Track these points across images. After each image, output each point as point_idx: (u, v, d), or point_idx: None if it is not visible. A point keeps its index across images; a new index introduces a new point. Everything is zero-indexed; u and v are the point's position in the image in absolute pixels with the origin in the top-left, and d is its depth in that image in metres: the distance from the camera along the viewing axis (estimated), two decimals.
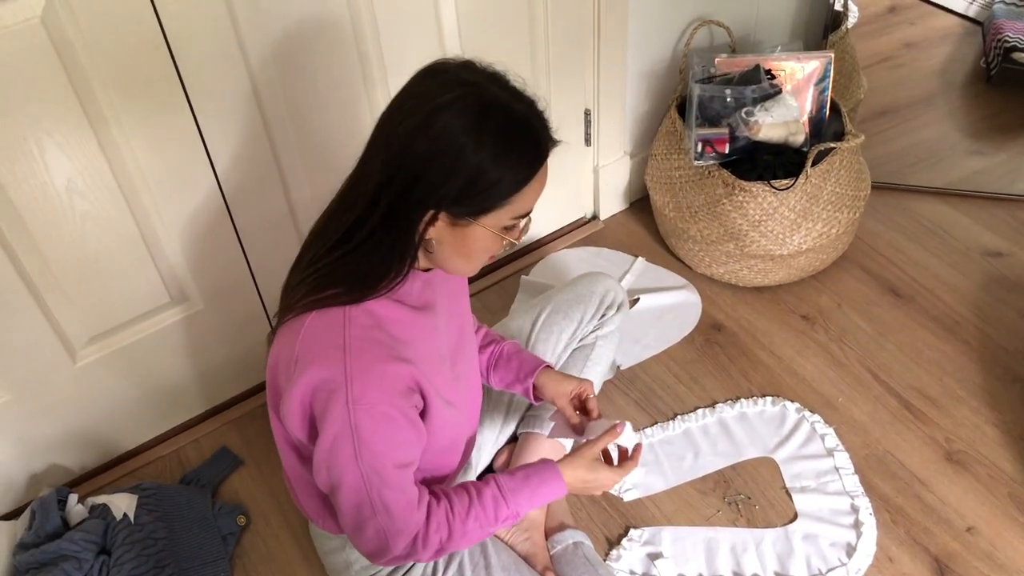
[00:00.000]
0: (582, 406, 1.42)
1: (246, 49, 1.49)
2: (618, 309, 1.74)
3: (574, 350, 1.72)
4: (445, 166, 1.05)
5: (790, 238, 1.97)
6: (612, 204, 2.33)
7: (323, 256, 1.13)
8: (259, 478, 1.79)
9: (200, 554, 1.61)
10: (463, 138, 1.04)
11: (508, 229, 1.13)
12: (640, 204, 2.37)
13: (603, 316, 1.72)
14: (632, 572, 1.62)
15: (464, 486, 1.25)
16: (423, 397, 1.18)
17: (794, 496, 1.71)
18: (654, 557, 1.62)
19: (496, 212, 1.09)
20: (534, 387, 1.43)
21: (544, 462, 1.29)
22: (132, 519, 1.59)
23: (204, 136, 1.52)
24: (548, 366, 1.45)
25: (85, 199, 1.46)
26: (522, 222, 1.15)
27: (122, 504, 1.60)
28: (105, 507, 1.59)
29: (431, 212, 1.08)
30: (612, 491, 1.73)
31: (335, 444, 1.10)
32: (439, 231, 1.11)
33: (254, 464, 1.81)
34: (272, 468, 1.80)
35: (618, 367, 1.95)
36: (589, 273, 1.77)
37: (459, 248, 1.13)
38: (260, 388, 1.94)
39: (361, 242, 1.10)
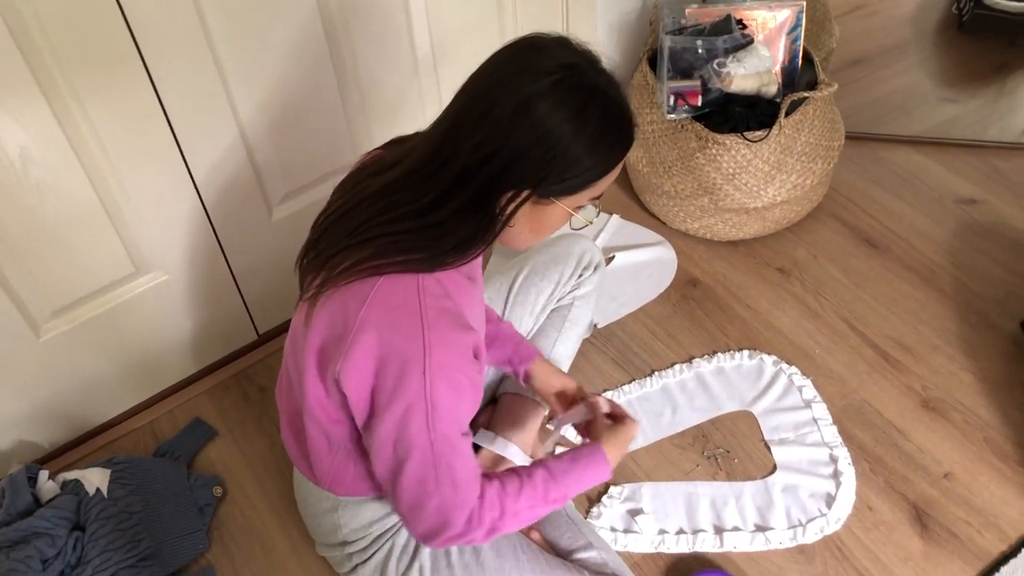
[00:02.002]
0: (567, 400, 1.47)
1: (202, 8, 1.44)
2: (595, 269, 1.73)
3: (552, 311, 1.71)
4: (543, 153, 1.05)
5: (764, 190, 1.95)
6: None
7: (391, 223, 1.11)
8: (234, 448, 1.76)
9: (177, 526, 1.59)
10: (565, 126, 1.04)
11: (581, 208, 1.15)
12: None
13: (580, 276, 1.71)
14: (613, 528, 1.61)
15: (512, 469, 1.26)
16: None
17: (773, 448, 1.71)
18: (635, 513, 1.62)
19: (580, 194, 1.11)
20: (525, 373, 1.48)
21: (591, 445, 1.31)
22: (105, 493, 1.56)
23: (162, 100, 1.47)
24: (541, 357, 1.50)
25: (40, 168, 1.41)
26: (596, 202, 1.16)
27: (95, 479, 1.58)
28: (77, 482, 1.57)
29: (519, 192, 1.08)
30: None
31: (407, 415, 1.09)
32: (519, 208, 1.11)
33: (229, 434, 1.79)
34: (247, 437, 1.78)
35: (595, 325, 1.94)
36: (565, 234, 1.75)
37: (533, 225, 1.15)
38: (234, 357, 1.91)
39: (445, 218, 1.09)
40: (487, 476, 1.22)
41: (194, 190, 1.61)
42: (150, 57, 1.42)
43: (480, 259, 1.30)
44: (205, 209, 1.64)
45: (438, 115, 1.13)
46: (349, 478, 1.30)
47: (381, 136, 1.81)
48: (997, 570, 1.53)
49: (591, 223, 1.18)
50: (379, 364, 1.09)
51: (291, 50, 1.58)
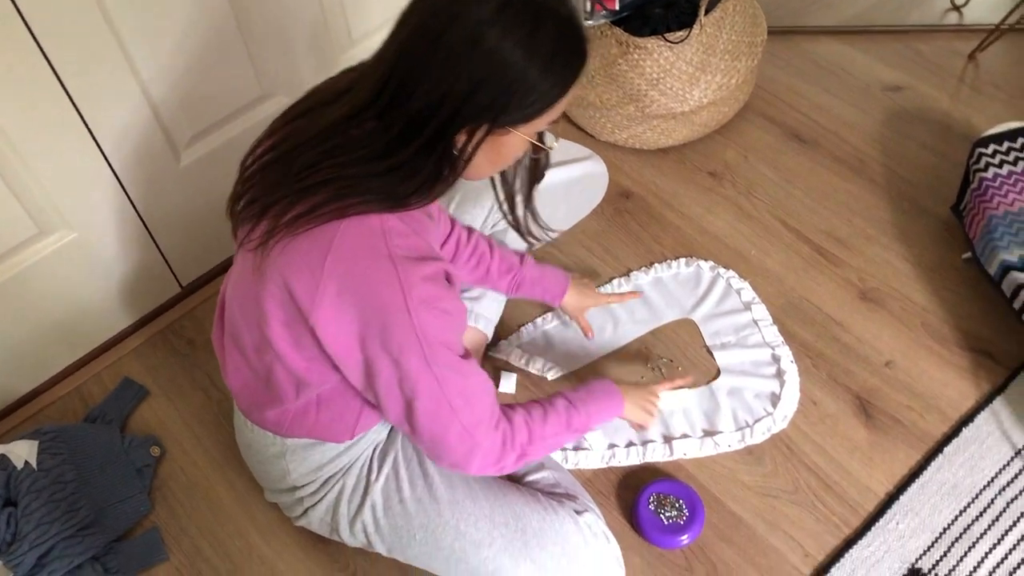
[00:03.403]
0: None
1: None
2: None
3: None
4: (498, 84, 1.00)
5: (690, 93, 1.91)
6: None
7: (345, 167, 1.06)
8: (168, 405, 1.70)
9: (116, 491, 1.54)
10: (517, 52, 0.99)
11: (540, 133, 1.11)
12: None
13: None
14: (563, 449, 1.60)
15: (534, 400, 1.30)
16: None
17: (715, 353, 1.71)
18: None
19: (537, 120, 1.07)
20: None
21: (602, 380, 1.40)
22: (35, 465, 1.50)
23: (44, 48, 1.36)
24: (572, 281, 1.62)
25: None
26: (553, 127, 1.12)
27: (22, 452, 1.51)
28: (3, 457, 1.50)
29: (476, 127, 1.04)
30: (534, 371, 1.70)
31: (403, 357, 1.08)
32: (479, 143, 1.06)
33: (161, 392, 1.72)
34: (180, 393, 1.72)
35: (530, 247, 1.90)
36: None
37: (492, 157, 1.11)
38: (159, 312, 1.84)
39: (402, 163, 1.05)
40: (511, 406, 1.26)
41: (92, 141, 1.51)
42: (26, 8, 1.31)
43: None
44: (107, 160, 1.55)
45: (378, 45, 1.07)
46: (309, 422, 1.27)
47: (290, 70, 1.72)
48: (940, 451, 1.56)
49: (553, 148, 1.14)
50: (359, 313, 1.07)
51: None
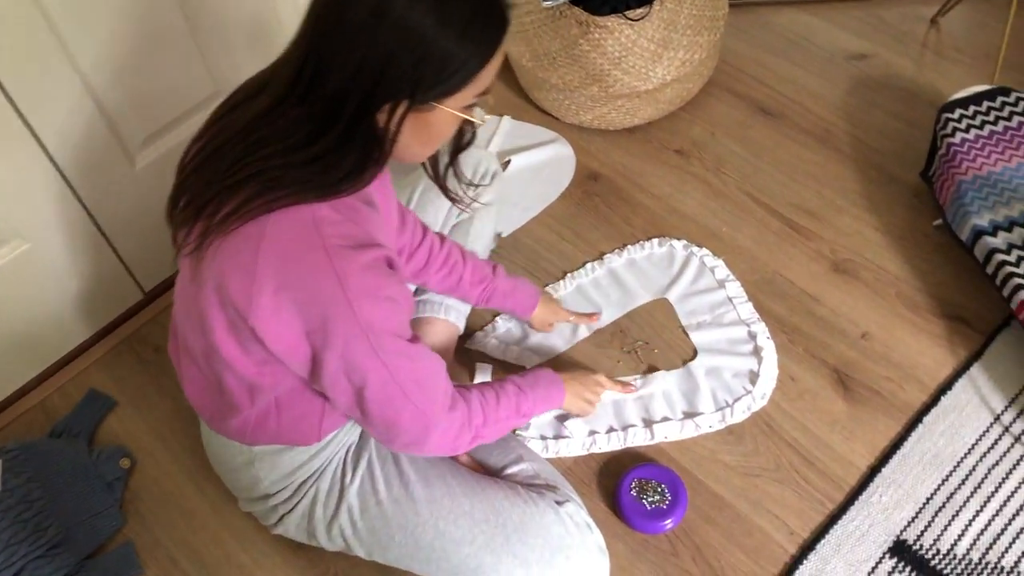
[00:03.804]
0: None
1: None
2: (492, 177, 1.67)
3: (453, 227, 1.65)
4: (411, 56, 0.95)
5: (653, 71, 1.88)
6: None
7: (269, 159, 1.01)
8: (136, 416, 1.66)
9: (86, 507, 1.50)
10: (428, 19, 0.94)
11: (469, 107, 1.06)
12: None
13: (477, 187, 1.63)
14: (543, 436, 1.58)
15: (482, 383, 1.31)
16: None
17: (691, 333, 1.69)
18: (563, 418, 1.59)
19: (461, 93, 1.02)
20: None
21: (543, 368, 1.43)
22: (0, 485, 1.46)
23: None
24: (541, 298, 1.63)
25: None
26: (483, 98, 1.06)
27: None
28: None
29: (395, 104, 0.99)
30: (511, 360, 1.67)
31: (348, 348, 1.04)
32: (402, 120, 1.01)
33: (128, 402, 1.68)
34: (148, 402, 1.68)
35: (499, 235, 1.87)
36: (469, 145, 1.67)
37: (419, 135, 1.06)
38: (122, 320, 1.79)
39: (326, 150, 1.01)
40: (467, 387, 1.27)
41: (39, 147, 1.46)
42: None
43: (385, 182, 1.25)
44: (56, 166, 1.50)
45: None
46: (271, 427, 1.24)
47: (244, 62, 1.67)
48: (920, 421, 1.55)
49: (483, 121, 1.09)
50: (299, 309, 1.03)
51: None
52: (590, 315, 1.72)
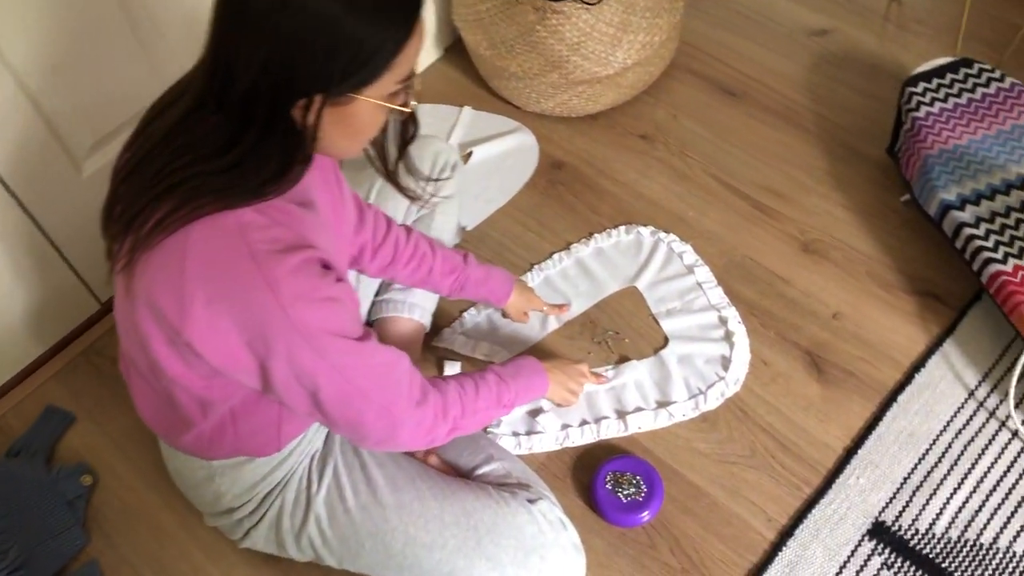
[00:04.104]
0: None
1: None
2: (453, 170, 1.63)
3: (414, 222, 1.61)
4: (319, 46, 0.90)
5: (613, 55, 1.85)
6: (425, 54, 2.15)
7: (190, 166, 0.97)
8: (96, 430, 1.62)
9: (47, 527, 1.46)
10: (333, 5, 0.89)
11: (394, 95, 1.00)
12: (455, 49, 2.19)
13: (437, 181, 1.60)
14: (516, 433, 1.55)
15: (463, 373, 1.30)
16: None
17: (662, 321, 1.67)
18: (535, 414, 1.56)
19: (379, 81, 0.96)
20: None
21: (526, 356, 1.40)
22: None
23: None
24: (516, 285, 1.59)
25: None
26: (409, 83, 1.01)
27: None
28: None
29: (309, 99, 0.94)
30: (480, 356, 1.64)
31: (292, 355, 1.00)
32: (319, 116, 0.96)
33: (87, 417, 1.63)
34: (108, 415, 1.63)
35: (464, 229, 1.83)
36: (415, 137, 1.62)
37: (344, 129, 1.00)
38: (78, 332, 1.74)
39: (246, 154, 0.96)
40: (443, 378, 1.24)
41: None
42: None
43: (331, 179, 1.21)
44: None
45: None
46: (228, 439, 1.20)
47: (191, 61, 1.61)
48: (895, 400, 1.53)
49: (411, 110, 1.04)
50: (235, 320, 0.98)
51: None
52: (560, 306, 1.69)
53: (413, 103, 1.04)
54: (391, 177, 1.20)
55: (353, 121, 0.99)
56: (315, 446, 1.30)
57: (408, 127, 1.13)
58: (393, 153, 1.17)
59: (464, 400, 1.22)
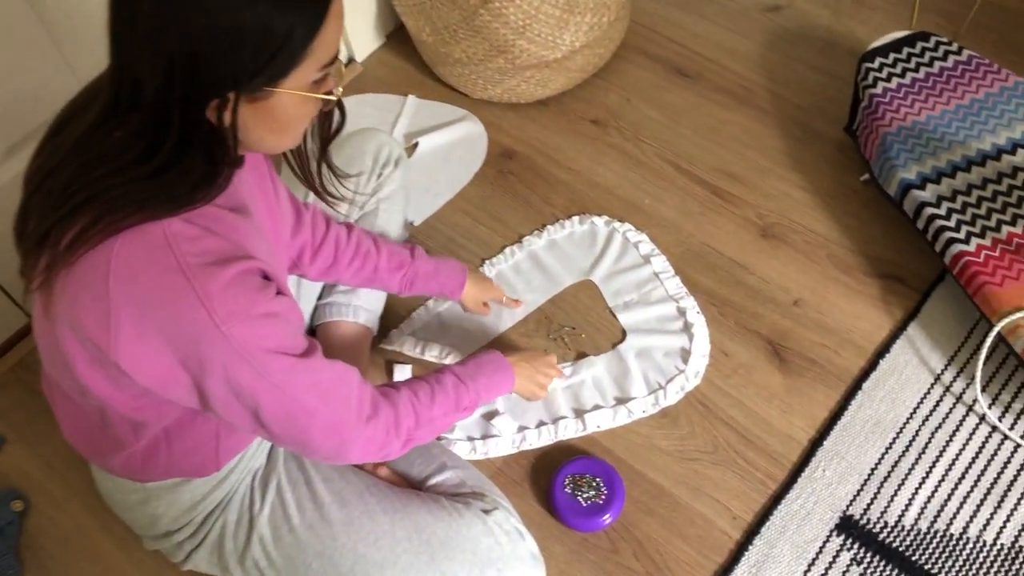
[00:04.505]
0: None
1: None
2: (396, 164, 1.56)
3: (357, 219, 1.54)
4: (224, 40, 0.82)
5: (560, 37, 1.78)
6: (366, 41, 2.07)
7: (107, 177, 0.89)
8: (27, 451, 1.53)
9: None
10: None
11: (318, 83, 0.92)
12: (397, 35, 2.11)
13: (380, 176, 1.54)
14: (471, 438, 1.49)
15: (420, 377, 1.22)
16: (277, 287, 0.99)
17: (619, 314, 1.61)
18: (490, 416, 1.50)
19: (297, 70, 0.88)
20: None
21: (489, 350, 1.32)
22: None
23: None
24: (470, 276, 1.51)
25: None
26: (332, 69, 0.92)
27: None
28: None
29: (223, 98, 0.86)
30: (431, 358, 1.58)
31: (229, 374, 0.93)
32: (236, 114, 0.88)
33: (18, 438, 1.55)
34: (40, 435, 1.54)
35: (411, 224, 1.76)
36: (355, 131, 1.55)
37: (269, 124, 0.92)
38: (5, 348, 1.65)
39: (168, 161, 0.88)
40: (395, 385, 1.17)
41: None
42: None
43: (266, 181, 1.14)
44: None
45: None
46: (162, 460, 1.13)
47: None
48: (859, 388, 1.49)
49: (336, 96, 0.96)
50: (167, 338, 0.91)
51: None
52: (513, 301, 1.62)
53: (338, 91, 0.96)
54: (308, 180, 1.11)
55: (277, 115, 0.91)
56: (257, 463, 1.23)
57: (330, 120, 1.04)
58: (315, 151, 1.08)
59: (418, 409, 1.15)
